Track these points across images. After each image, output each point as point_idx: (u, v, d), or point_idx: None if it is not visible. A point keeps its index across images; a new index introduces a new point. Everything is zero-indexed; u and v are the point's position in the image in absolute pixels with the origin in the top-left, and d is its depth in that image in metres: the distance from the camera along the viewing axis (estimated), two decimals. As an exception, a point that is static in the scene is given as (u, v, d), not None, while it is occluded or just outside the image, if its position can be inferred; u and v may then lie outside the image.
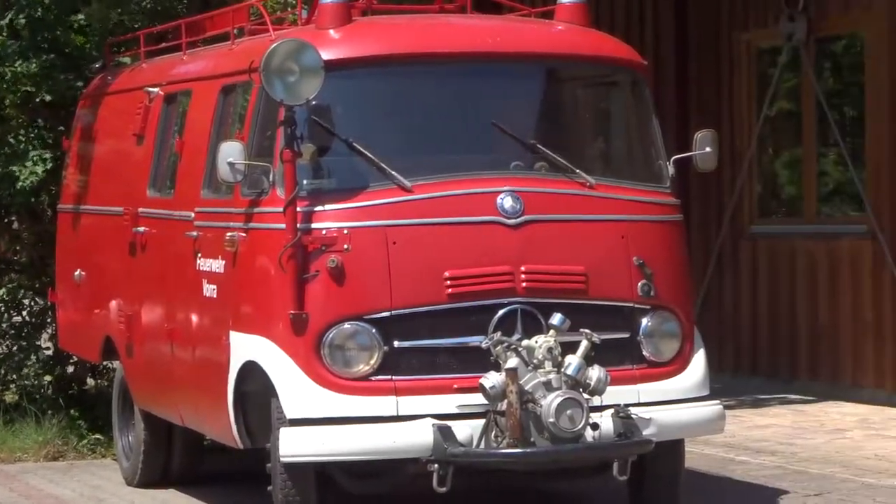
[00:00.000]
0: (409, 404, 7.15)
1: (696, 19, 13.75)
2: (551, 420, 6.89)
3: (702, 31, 13.69)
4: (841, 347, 12.28)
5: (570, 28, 8.23)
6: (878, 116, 11.97)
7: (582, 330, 7.17)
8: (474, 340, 7.21)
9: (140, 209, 9.36)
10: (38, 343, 11.91)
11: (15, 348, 11.81)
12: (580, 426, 6.95)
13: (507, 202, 7.39)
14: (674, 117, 13.24)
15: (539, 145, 7.82)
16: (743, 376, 13.05)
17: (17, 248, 12.45)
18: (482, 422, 7.06)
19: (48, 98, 11.19)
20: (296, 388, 7.22)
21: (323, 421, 7.13)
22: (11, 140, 11.34)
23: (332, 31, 7.78)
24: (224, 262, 8.02)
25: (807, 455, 9.69)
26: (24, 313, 12.15)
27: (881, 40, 11.93)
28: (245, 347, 7.66)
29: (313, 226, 7.28)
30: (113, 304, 9.68)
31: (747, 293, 13.27)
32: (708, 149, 8.05)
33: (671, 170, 7.97)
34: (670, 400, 7.49)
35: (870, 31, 12.14)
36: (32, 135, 11.50)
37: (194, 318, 8.52)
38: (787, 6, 12.53)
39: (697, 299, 13.00)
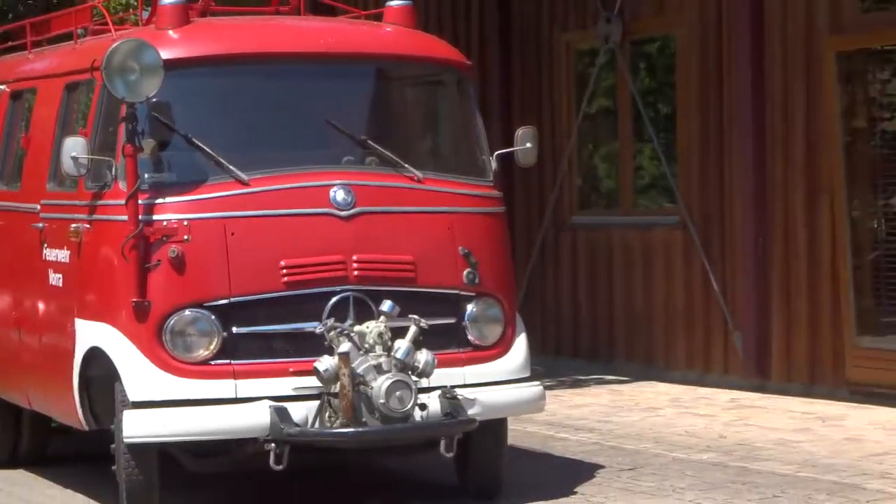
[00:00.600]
0: (247, 387, 7.29)
1: (519, 21, 13.88)
2: (381, 401, 7.10)
3: (524, 33, 13.83)
4: (655, 331, 12.52)
5: (398, 30, 8.39)
6: (687, 114, 12.24)
7: (411, 316, 7.36)
8: (309, 326, 7.37)
9: (-13, 202, 9.37)
10: None
11: None
12: (409, 407, 7.17)
13: (339, 195, 7.54)
14: (498, 115, 13.39)
15: (370, 141, 7.98)
16: (564, 359, 13.20)
17: None
18: (317, 403, 7.22)
19: None
20: (138, 372, 7.31)
21: (164, 403, 7.24)
22: None
23: (171, 32, 7.89)
24: (69, 252, 8.07)
25: (622, 432, 9.89)
26: None
27: (691, 42, 12.18)
28: (90, 334, 7.72)
29: (154, 217, 7.38)
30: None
31: (568, 281, 13.46)
32: (528, 144, 8.26)
33: (494, 164, 8.15)
34: (494, 381, 7.68)
35: (681, 33, 12.37)
36: None
37: (41, 306, 8.58)
38: (604, 9, 12.75)
39: (521, 287, 13.21)
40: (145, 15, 8.73)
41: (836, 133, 10.94)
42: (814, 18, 11.10)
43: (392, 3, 8.49)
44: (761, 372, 11.53)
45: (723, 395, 11.36)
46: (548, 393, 8.25)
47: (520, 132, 8.36)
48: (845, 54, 10.96)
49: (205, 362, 7.33)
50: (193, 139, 7.63)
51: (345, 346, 7.17)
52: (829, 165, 10.97)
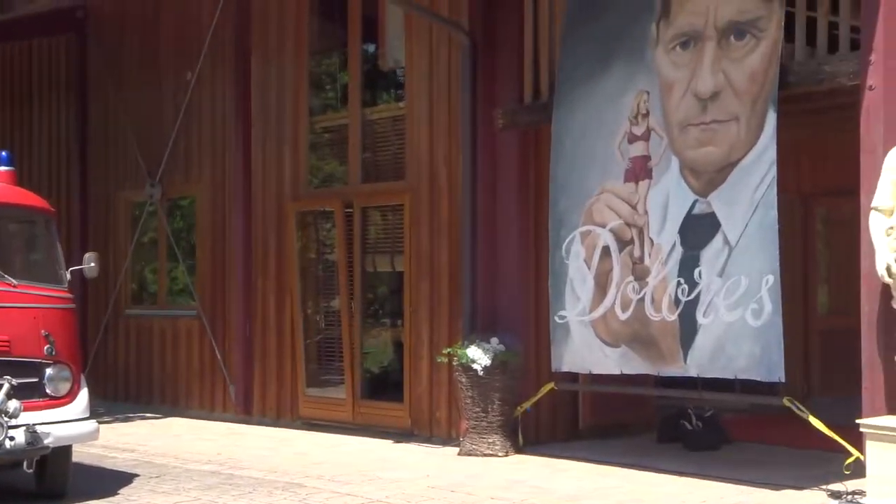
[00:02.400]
0: None
1: (94, 180, 13.47)
2: (-15, 434, 6.72)
3: (97, 188, 13.42)
4: (180, 383, 12.30)
5: (4, 186, 8.02)
6: (203, 246, 12.21)
7: (6, 377, 7.01)
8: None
9: None
10: None
11: None
12: (2, 438, 6.83)
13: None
14: (78, 243, 12.95)
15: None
16: (119, 402, 12.73)
17: None
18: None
19: None
20: None
21: None
22: None
23: None
24: None
25: (154, 451, 9.60)
26: None
27: (206, 200, 12.17)
28: None
29: None
30: None
31: (123, 351, 13.04)
32: (92, 264, 8.08)
33: (68, 276, 7.90)
34: (63, 420, 7.34)
35: (200, 194, 12.31)
36: None
37: None
38: (150, 177, 12.61)
39: (91, 356, 12.77)
40: None
41: (295, 260, 11.18)
42: (283, 188, 11.35)
43: (2, 168, 8.11)
44: (247, 410, 11.51)
45: (222, 427, 11.20)
46: (105, 426, 8.04)
47: (87, 255, 8.18)
48: (301, 213, 11.25)
49: None
50: None
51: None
52: (291, 281, 11.20)
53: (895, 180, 6.78)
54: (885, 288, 6.86)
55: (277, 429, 10.94)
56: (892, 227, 6.75)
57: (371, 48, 11.03)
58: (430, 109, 10.00)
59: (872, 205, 6.90)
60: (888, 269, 6.70)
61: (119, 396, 13.00)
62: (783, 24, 7.51)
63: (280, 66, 11.37)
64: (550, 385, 9.09)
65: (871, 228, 6.88)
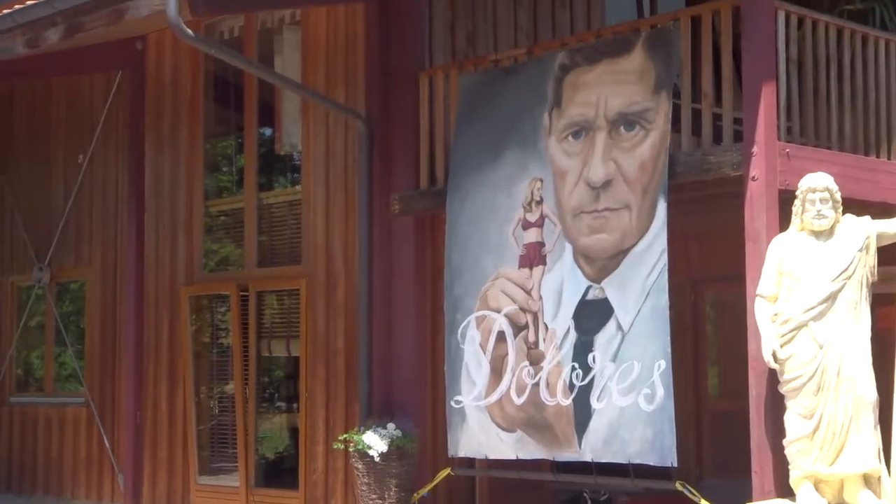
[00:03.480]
0: None
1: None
2: None
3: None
4: (66, 473, 11.96)
5: None
6: (92, 331, 11.96)
7: None
8: None
9: None
10: None
11: None
12: None
13: None
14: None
15: None
16: (0, 493, 12.32)
17: None
18: None
19: None
20: None
21: None
22: None
23: None
24: None
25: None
26: None
27: (96, 284, 11.97)
28: None
29: None
30: None
31: (6, 439, 12.66)
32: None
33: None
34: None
35: (90, 278, 12.11)
36: None
37: None
38: (38, 261, 12.37)
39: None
40: None
41: (189, 345, 11.02)
42: (176, 272, 11.23)
43: None
44: (136, 500, 11.21)
45: (109, 517, 10.90)
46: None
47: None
48: (195, 297, 11.12)
49: None
50: None
51: None
52: (184, 366, 11.03)
53: (779, 268, 7.02)
54: (772, 373, 7.05)
55: (168, 519, 10.69)
56: (776, 314, 6.97)
57: (267, 132, 11.07)
58: (327, 194, 10.04)
59: (757, 292, 7.12)
60: (773, 354, 6.90)
61: (0, 488, 12.52)
62: (671, 115, 7.77)
63: (174, 149, 11.33)
64: (447, 470, 9.05)
65: (757, 315, 7.10)
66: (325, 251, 10.01)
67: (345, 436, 9.18)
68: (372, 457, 8.84)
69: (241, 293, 10.57)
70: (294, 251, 10.39)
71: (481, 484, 9.70)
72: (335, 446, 9.33)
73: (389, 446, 8.84)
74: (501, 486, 9.64)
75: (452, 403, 8.79)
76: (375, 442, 8.83)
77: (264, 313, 10.63)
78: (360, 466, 8.98)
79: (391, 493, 8.91)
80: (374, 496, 8.91)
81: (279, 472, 10.42)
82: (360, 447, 8.89)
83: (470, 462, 9.20)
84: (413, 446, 9.00)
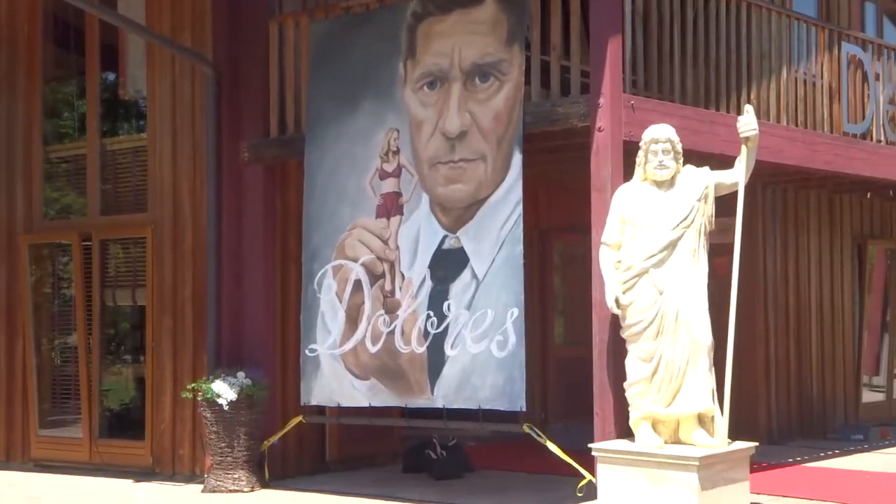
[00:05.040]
0: None
1: None
2: None
3: None
4: None
5: None
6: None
7: None
8: None
9: None
10: None
11: None
12: None
13: None
14: None
15: None
16: None
17: None
18: None
19: None
20: None
21: None
22: None
23: None
24: None
25: None
26: None
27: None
28: None
29: None
30: None
31: None
32: None
33: None
34: None
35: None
36: None
37: None
38: None
39: None
40: None
41: (28, 296, 10.74)
42: (14, 220, 10.90)
43: None
44: (-27, 455, 10.91)
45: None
46: None
47: None
48: (34, 246, 10.83)
49: None
50: None
51: None
52: (23, 317, 10.74)
53: (623, 217, 7.29)
54: (615, 318, 7.34)
55: (7, 472, 10.43)
56: (620, 261, 7.25)
57: (111, 76, 10.80)
58: (174, 141, 9.89)
59: (601, 240, 7.39)
60: (617, 300, 7.19)
61: None
62: (524, 67, 7.93)
63: (11, 92, 10.95)
64: (298, 418, 9.12)
65: (601, 262, 7.37)
66: (171, 199, 9.86)
67: (193, 385, 9.14)
68: (221, 406, 8.84)
69: (84, 242, 10.34)
70: (139, 199, 10.20)
71: (331, 431, 9.81)
72: (183, 395, 9.28)
73: (239, 395, 8.85)
74: (352, 433, 9.78)
75: (307, 352, 8.85)
76: (224, 390, 8.83)
77: (108, 262, 10.44)
78: (208, 415, 8.96)
79: (240, 442, 8.93)
80: (222, 445, 8.92)
81: (125, 423, 10.30)
82: (208, 396, 8.87)
83: (320, 410, 9.29)
84: (263, 395, 9.03)
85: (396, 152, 8.52)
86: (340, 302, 8.70)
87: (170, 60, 9.89)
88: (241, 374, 8.97)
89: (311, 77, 9.12)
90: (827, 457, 10.26)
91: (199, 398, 9.02)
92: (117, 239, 10.37)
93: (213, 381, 8.93)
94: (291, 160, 9.38)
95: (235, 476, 8.90)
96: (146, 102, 10.22)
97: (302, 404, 8.99)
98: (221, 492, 8.86)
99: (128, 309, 10.64)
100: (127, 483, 9.51)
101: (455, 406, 8.13)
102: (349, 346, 8.63)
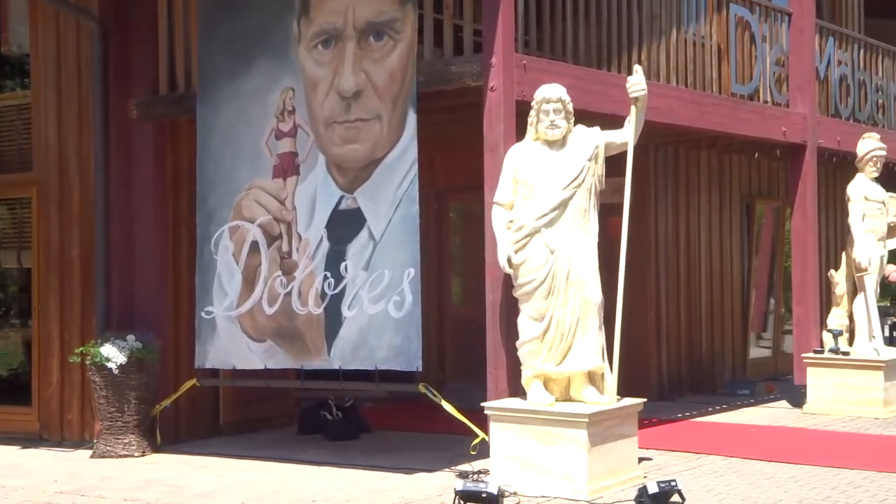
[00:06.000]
0: None
1: None
2: None
3: None
4: None
5: None
6: None
7: None
8: None
9: None
10: None
11: None
12: None
13: None
14: None
15: None
16: None
17: None
18: None
19: None
20: None
21: None
22: None
23: None
24: None
25: None
26: None
27: None
28: None
29: None
30: None
31: None
32: None
33: None
34: None
35: None
36: None
37: None
38: None
39: None
40: None
41: None
42: None
43: None
44: None
45: None
46: None
47: None
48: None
49: None
50: None
51: None
52: None
53: (515, 177, 7.32)
54: (508, 278, 7.40)
55: None
56: (512, 221, 7.29)
57: (-7, 32, 10.45)
58: (59, 98, 9.62)
59: (494, 199, 7.42)
60: (509, 260, 7.24)
61: None
62: (417, 26, 7.89)
63: None
64: (192, 381, 9.02)
65: (493, 222, 7.40)
66: (57, 158, 9.61)
67: (81, 349, 8.97)
68: (110, 369, 8.69)
69: (-35, 202, 10.05)
70: (24, 158, 9.92)
71: (225, 394, 9.73)
72: (71, 360, 9.10)
73: (129, 358, 8.71)
74: (246, 395, 9.72)
75: (203, 314, 8.74)
76: (114, 354, 8.68)
77: (-8, 223, 10.16)
78: (97, 380, 8.81)
79: (131, 406, 8.80)
80: (112, 409, 8.78)
81: (13, 388, 10.05)
82: (97, 360, 8.71)
83: (214, 373, 9.20)
84: (153, 358, 8.90)
85: (292, 112, 8.42)
86: (237, 263, 8.61)
87: (54, 15, 9.60)
88: (131, 338, 8.82)
89: (202, 34, 8.94)
90: (715, 412, 10.54)
91: (87, 362, 8.85)
92: (1, 199, 10.07)
93: (102, 345, 8.76)
94: (182, 118, 9.20)
95: (126, 441, 8.78)
96: (30, 58, 9.91)
97: (197, 367, 8.89)
98: (111, 457, 8.72)
99: (14, 272, 10.37)
100: (13, 449, 9.31)
101: (352, 367, 8.13)
102: (246, 307, 8.56)
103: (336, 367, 8.21)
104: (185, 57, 9.15)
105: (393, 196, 7.88)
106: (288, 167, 8.44)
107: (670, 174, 11.74)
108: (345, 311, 8.05)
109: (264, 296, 8.47)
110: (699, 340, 12.06)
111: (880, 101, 12.78)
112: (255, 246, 8.54)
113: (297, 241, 8.32)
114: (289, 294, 8.34)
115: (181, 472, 8.06)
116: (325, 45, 8.28)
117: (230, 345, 8.63)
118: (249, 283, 8.54)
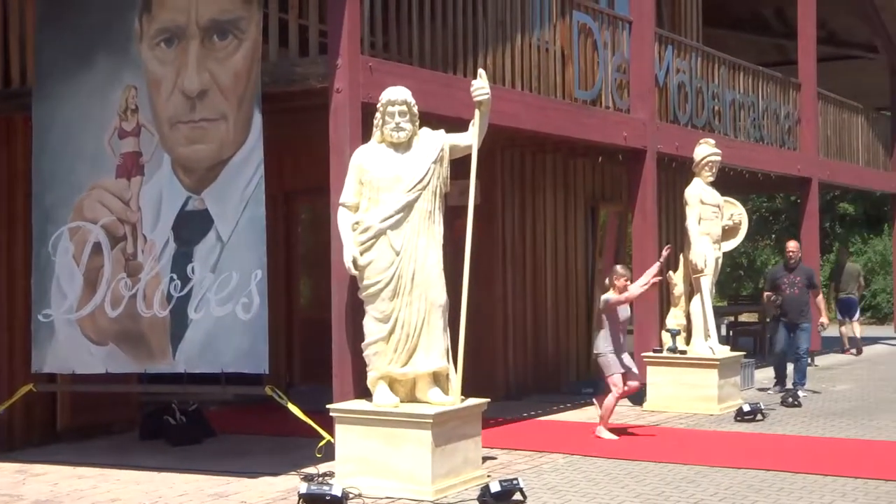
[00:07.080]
0: None
1: None
2: None
3: None
4: None
5: None
6: None
7: None
8: None
9: None
10: None
11: None
12: None
13: None
14: None
15: None
16: None
17: None
18: None
19: None
20: None
21: None
22: None
23: None
24: None
25: None
26: None
27: None
28: None
29: None
30: None
31: None
32: None
33: None
34: None
35: None
36: None
37: None
38: None
39: None
40: None
41: None
42: None
43: None
44: None
45: None
46: None
47: None
48: None
49: None
50: None
51: None
52: None
53: (361, 178, 7.34)
54: (353, 280, 7.40)
55: None
56: (357, 222, 7.30)
57: None
58: None
59: (339, 201, 7.41)
60: (354, 261, 7.24)
61: None
62: (262, 25, 7.81)
63: None
64: (28, 387, 8.72)
65: (339, 223, 7.39)
66: None
67: None
68: (-62, 376, 8.34)
69: None
70: None
71: (63, 400, 9.45)
72: None
73: (-40, 364, 8.37)
74: (86, 400, 9.45)
75: (40, 317, 8.46)
76: (-58, 360, 8.33)
77: None
78: (-74, 387, 8.44)
79: (-38, 414, 8.47)
80: (-58, 417, 8.43)
81: None
82: (-74, 366, 8.34)
83: (51, 378, 8.92)
84: (-14, 363, 8.58)
85: (135, 110, 8.23)
86: (78, 265, 8.35)
87: None
88: (-39, 342, 8.48)
89: (39, 28, 8.66)
90: (559, 410, 10.77)
91: (-86, 368, 8.46)
92: None
93: (-70, 350, 8.40)
94: (15, 114, 8.91)
95: (-44, 449, 8.43)
96: None
97: (33, 372, 8.60)
98: (-59, 467, 8.37)
99: None
100: None
101: (198, 370, 8.00)
102: (87, 310, 8.32)
103: (181, 370, 8.06)
104: (21, 51, 8.85)
105: (240, 197, 7.78)
106: (132, 167, 8.24)
107: (517, 177, 11.93)
108: (191, 314, 7.92)
109: (107, 298, 8.25)
110: (545, 341, 12.29)
111: (717, 108, 13.26)
112: (97, 247, 8.31)
113: (143, 243, 8.14)
114: (133, 296, 8.15)
115: (14, 481, 7.78)
116: (167, 43, 8.12)
117: (69, 349, 8.38)
118: (91, 285, 8.31)
